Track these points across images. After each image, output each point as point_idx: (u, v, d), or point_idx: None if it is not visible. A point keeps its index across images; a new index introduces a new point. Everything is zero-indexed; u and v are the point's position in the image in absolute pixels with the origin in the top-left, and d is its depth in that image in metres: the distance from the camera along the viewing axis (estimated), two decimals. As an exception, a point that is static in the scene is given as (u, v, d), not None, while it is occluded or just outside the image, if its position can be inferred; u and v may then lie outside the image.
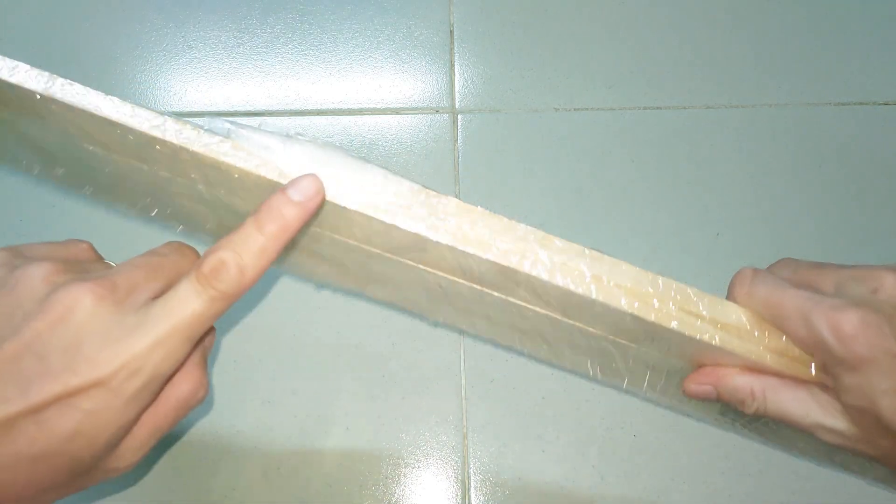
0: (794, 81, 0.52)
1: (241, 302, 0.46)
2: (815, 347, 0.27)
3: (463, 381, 0.45)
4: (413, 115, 0.51)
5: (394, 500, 0.43)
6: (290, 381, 0.45)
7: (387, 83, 0.52)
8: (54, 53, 0.53)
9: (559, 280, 0.29)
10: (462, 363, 0.45)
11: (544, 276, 0.29)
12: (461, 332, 0.46)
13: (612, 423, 0.44)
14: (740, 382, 0.30)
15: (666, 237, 0.48)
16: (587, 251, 0.30)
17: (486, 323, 0.36)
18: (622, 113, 0.51)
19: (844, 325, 0.26)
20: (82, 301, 0.25)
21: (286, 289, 0.47)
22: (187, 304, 0.26)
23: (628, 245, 0.47)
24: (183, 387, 0.29)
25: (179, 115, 0.51)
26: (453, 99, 0.51)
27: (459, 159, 0.50)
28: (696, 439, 0.44)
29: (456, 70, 0.52)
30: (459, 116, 0.51)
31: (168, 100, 0.52)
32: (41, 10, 0.54)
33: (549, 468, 0.43)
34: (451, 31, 0.53)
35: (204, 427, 0.44)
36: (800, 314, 0.27)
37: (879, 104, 0.51)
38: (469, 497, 0.43)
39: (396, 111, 0.51)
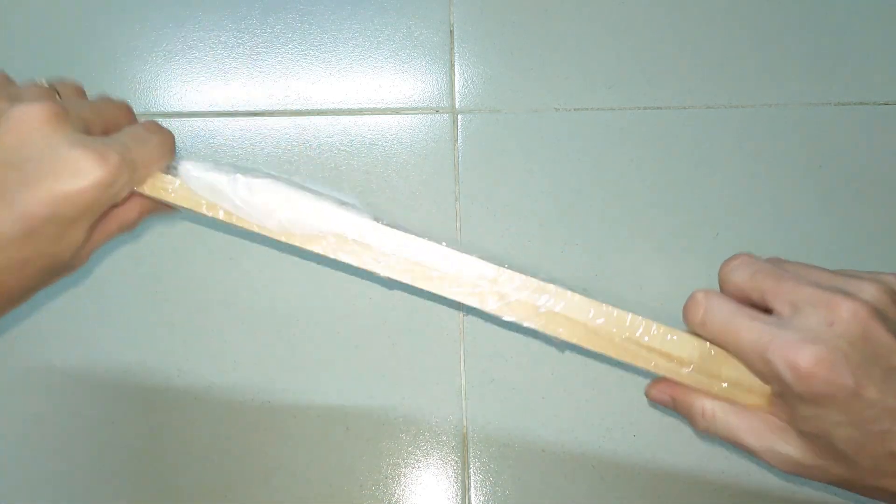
0: (794, 81, 0.52)
1: (240, 301, 0.46)
2: (771, 379, 0.28)
3: (463, 381, 0.45)
4: (413, 115, 0.51)
5: (394, 500, 0.43)
6: (289, 380, 0.45)
7: (387, 83, 0.52)
8: (54, 53, 0.53)
9: (508, 317, 0.31)
10: (462, 363, 0.45)
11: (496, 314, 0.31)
12: (461, 332, 0.46)
13: (611, 423, 0.44)
14: (694, 400, 0.30)
15: (666, 237, 0.48)
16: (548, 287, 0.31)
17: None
18: (622, 113, 0.51)
19: (801, 363, 0.26)
20: (41, 114, 0.28)
21: (286, 288, 0.47)
22: (142, 147, 0.30)
23: (628, 245, 0.47)
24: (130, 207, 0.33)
25: (180, 115, 0.51)
26: (453, 99, 0.51)
27: (459, 159, 0.50)
28: (695, 439, 0.44)
29: (456, 70, 0.52)
30: (459, 116, 0.51)
31: (168, 100, 0.52)
32: (41, 10, 0.54)
33: (549, 468, 0.43)
34: (451, 31, 0.53)
35: (204, 427, 0.44)
36: (755, 349, 0.27)
37: (879, 104, 0.51)
38: (469, 497, 0.43)
39: (396, 111, 0.51)
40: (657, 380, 0.31)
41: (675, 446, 0.44)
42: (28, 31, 0.54)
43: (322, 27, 0.53)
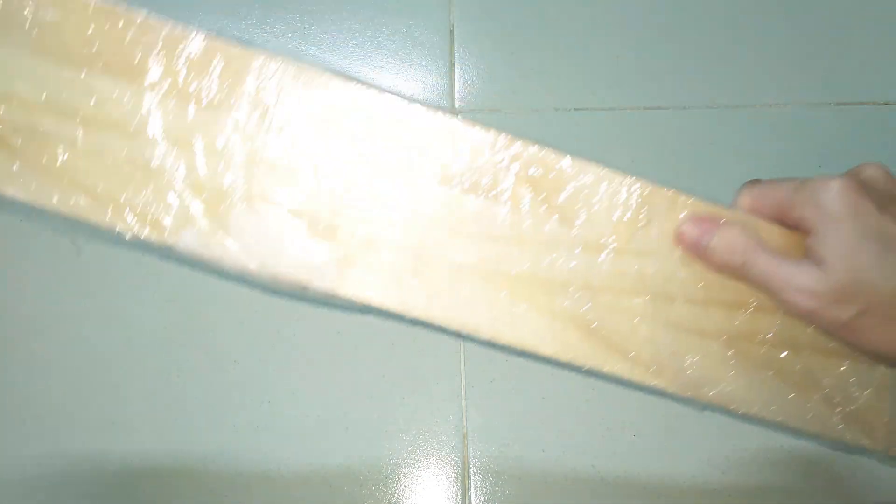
0: (794, 81, 0.52)
1: (240, 301, 0.46)
2: (804, 213, 0.31)
3: (463, 381, 0.45)
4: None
5: (394, 500, 0.43)
6: (289, 380, 0.45)
7: (387, 83, 0.52)
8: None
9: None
10: (462, 363, 0.45)
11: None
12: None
13: (612, 423, 0.44)
14: (734, 234, 0.32)
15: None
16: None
17: None
18: (622, 113, 0.51)
19: (831, 184, 0.30)
20: None
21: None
22: None
23: (628, 245, 0.47)
24: None
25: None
26: (453, 99, 0.51)
27: (459, 159, 0.50)
28: (695, 439, 0.44)
29: (456, 70, 0.52)
30: (459, 116, 0.51)
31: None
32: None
33: (549, 468, 0.43)
34: (451, 31, 0.53)
35: (204, 427, 0.44)
36: (793, 189, 0.32)
37: (879, 104, 0.51)
38: (469, 497, 0.43)
39: (396, 111, 0.51)
40: (693, 216, 0.33)
41: (676, 446, 0.44)
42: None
43: (322, 27, 0.53)
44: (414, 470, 0.43)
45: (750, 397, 0.33)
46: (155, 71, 0.30)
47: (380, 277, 0.30)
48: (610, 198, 0.32)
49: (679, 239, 0.33)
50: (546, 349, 0.32)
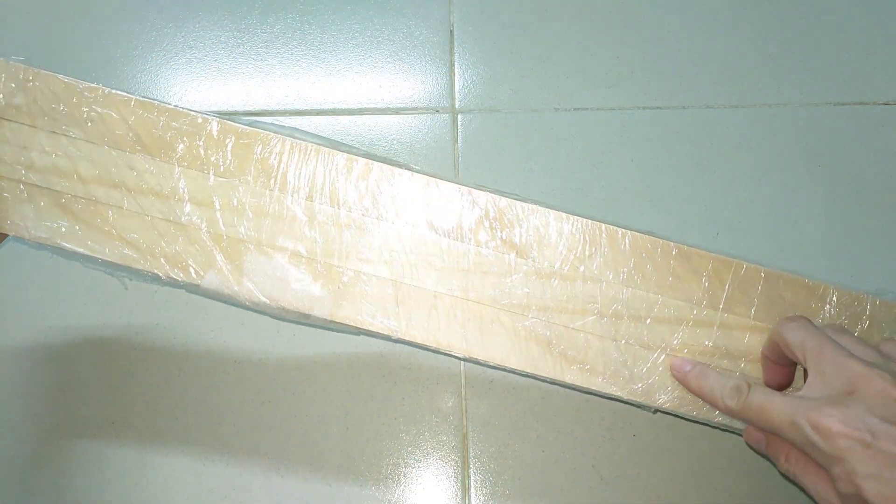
0: (794, 81, 0.52)
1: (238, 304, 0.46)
2: (805, 445, 0.31)
3: (463, 381, 0.45)
4: (413, 115, 0.51)
5: (394, 500, 0.43)
6: (289, 380, 0.45)
7: (387, 83, 0.52)
8: (54, 53, 0.53)
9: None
10: (462, 363, 0.45)
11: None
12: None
13: (612, 423, 0.44)
14: (781, 446, 0.34)
15: (666, 236, 0.48)
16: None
17: None
18: (622, 113, 0.51)
19: (822, 422, 0.30)
20: None
21: (286, 289, 0.47)
22: None
23: (628, 245, 0.47)
24: None
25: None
26: (453, 99, 0.51)
27: (459, 159, 0.50)
28: (696, 439, 0.44)
29: (456, 70, 0.52)
30: (459, 116, 0.51)
31: (168, 100, 0.52)
32: (41, 9, 0.54)
33: (549, 468, 0.43)
34: (451, 31, 0.53)
35: (204, 427, 0.44)
36: (785, 418, 0.32)
37: (879, 104, 0.51)
38: (469, 497, 0.43)
39: (396, 111, 0.51)
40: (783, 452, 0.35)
41: (675, 446, 0.44)
42: (28, 31, 0.54)
43: (322, 27, 0.53)
44: (414, 470, 0.43)
45: (696, 403, 0.37)
46: (181, 148, 0.37)
47: (368, 306, 0.37)
48: (558, 234, 0.38)
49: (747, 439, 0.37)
50: (512, 363, 0.37)
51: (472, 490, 0.43)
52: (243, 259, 0.36)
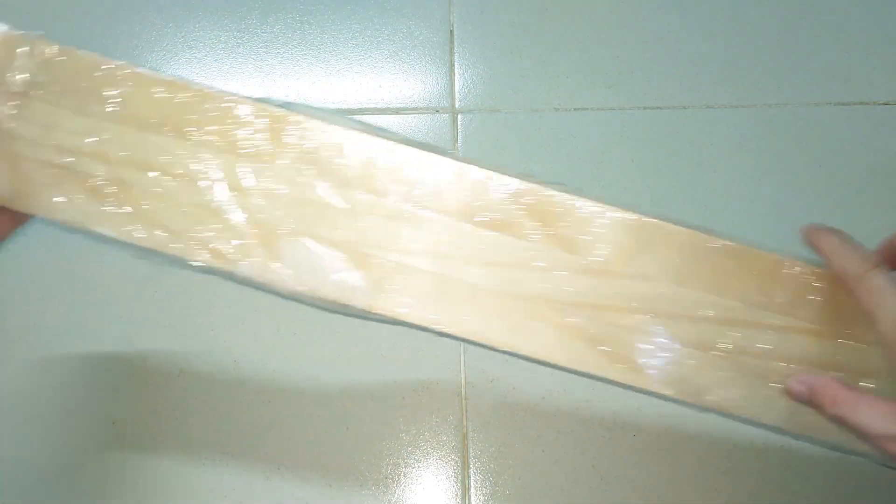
0: (794, 81, 0.52)
1: (240, 300, 0.46)
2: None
3: (463, 381, 0.45)
4: (413, 115, 0.51)
5: (394, 500, 0.43)
6: (289, 380, 0.45)
7: (387, 83, 0.52)
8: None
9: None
10: (462, 363, 0.45)
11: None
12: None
13: (612, 423, 0.44)
14: (829, 387, 0.33)
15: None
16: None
17: None
18: (622, 113, 0.51)
19: None
20: None
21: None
22: None
23: (628, 245, 0.47)
24: None
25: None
26: (453, 99, 0.51)
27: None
28: (696, 439, 0.44)
29: (456, 70, 0.52)
30: (459, 116, 0.51)
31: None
32: (41, 9, 0.54)
33: (549, 468, 0.43)
34: (451, 31, 0.53)
35: (204, 427, 0.44)
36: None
37: (879, 104, 0.51)
38: (469, 497, 0.43)
39: (396, 111, 0.51)
40: (808, 377, 0.34)
41: (675, 446, 0.44)
42: (28, 30, 0.54)
43: (322, 27, 0.53)
44: (414, 470, 0.43)
45: (748, 403, 0.36)
46: (214, 130, 0.35)
47: (408, 298, 0.35)
48: (606, 228, 0.36)
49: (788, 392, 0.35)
50: (557, 359, 0.36)
51: (472, 490, 0.43)
52: (280, 246, 0.35)
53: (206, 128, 0.35)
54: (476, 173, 0.36)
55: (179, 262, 0.35)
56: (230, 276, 0.36)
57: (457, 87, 0.52)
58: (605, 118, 0.51)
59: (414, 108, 0.51)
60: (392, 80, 0.52)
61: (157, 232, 0.35)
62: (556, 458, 0.43)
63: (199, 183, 0.35)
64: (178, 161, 0.35)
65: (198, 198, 0.35)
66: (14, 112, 0.35)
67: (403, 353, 0.45)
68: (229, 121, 0.36)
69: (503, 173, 0.36)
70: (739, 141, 0.50)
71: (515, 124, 0.51)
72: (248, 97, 0.36)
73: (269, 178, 0.35)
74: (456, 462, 0.43)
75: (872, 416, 0.31)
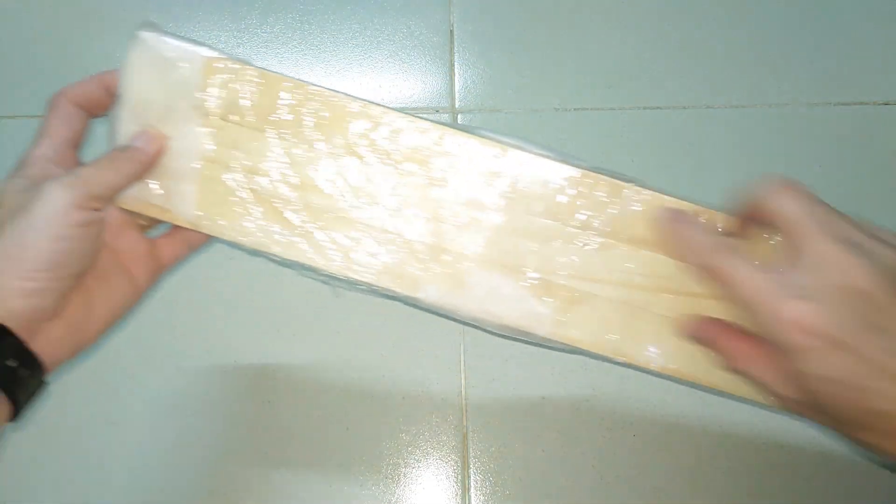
0: (794, 81, 0.52)
1: (240, 300, 0.46)
2: (762, 328, 0.29)
3: (463, 382, 0.45)
4: (413, 115, 0.51)
5: (394, 500, 0.43)
6: (289, 380, 0.45)
7: (387, 83, 0.52)
8: (54, 53, 0.53)
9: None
10: (462, 363, 0.45)
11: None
12: (461, 330, 0.46)
13: (612, 423, 0.44)
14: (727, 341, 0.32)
15: None
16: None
17: None
18: (622, 113, 0.51)
19: (791, 314, 0.27)
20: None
21: (285, 289, 0.46)
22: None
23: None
24: None
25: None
26: (453, 99, 0.51)
27: (459, 159, 0.50)
28: (696, 439, 0.44)
29: (456, 70, 0.52)
30: (459, 116, 0.51)
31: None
32: (41, 9, 0.54)
33: (549, 468, 0.43)
34: (451, 31, 0.53)
35: (204, 427, 0.44)
36: (750, 296, 0.29)
37: (879, 104, 0.51)
38: (469, 497, 0.43)
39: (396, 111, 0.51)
40: (702, 321, 0.33)
41: (675, 446, 0.44)
42: (28, 31, 0.54)
43: (322, 27, 0.53)
44: (414, 470, 0.43)
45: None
46: (402, 153, 0.35)
47: (593, 326, 0.35)
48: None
49: (692, 333, 0.34)
50: (743, 392, 0.34)
51: (472, 490, 0.43)
52: (463, 273, 0.35)
53: (391, 153, 0.35)
54: (668, 201, 0.35)
55: (362, 288, 0.35)
56: (413, 303, 0.35)
57: (457, 87, 0.52)
58: (605, 118, 0.51)
59: (414, 108, 0.51)
60: (392, 80, 0.52)
61: (342, 258, 0.35)
62: (556, 458, 0.43)
63: (382, 209, 0.35)
64: (365, 186, 0.35)
65: (379, 223, 0.35)
66: (210, 135, 0.34)
67: (403, 353, 0.45)
68: (377, 134, 0.35)
69: (692, 201, 0.35)
70: (739, 141, 0.50)
71: (515, 124, 0.51)
72: (399, 111, 0.35)
73: (451, 205, 0.35)
74: (456, 462, 0.43)
75: (763, 370, 0.31)
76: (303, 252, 0.35)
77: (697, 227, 0.33)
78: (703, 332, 0.33)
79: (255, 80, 0.34)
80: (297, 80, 0.34)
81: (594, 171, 0.35)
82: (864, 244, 0.29)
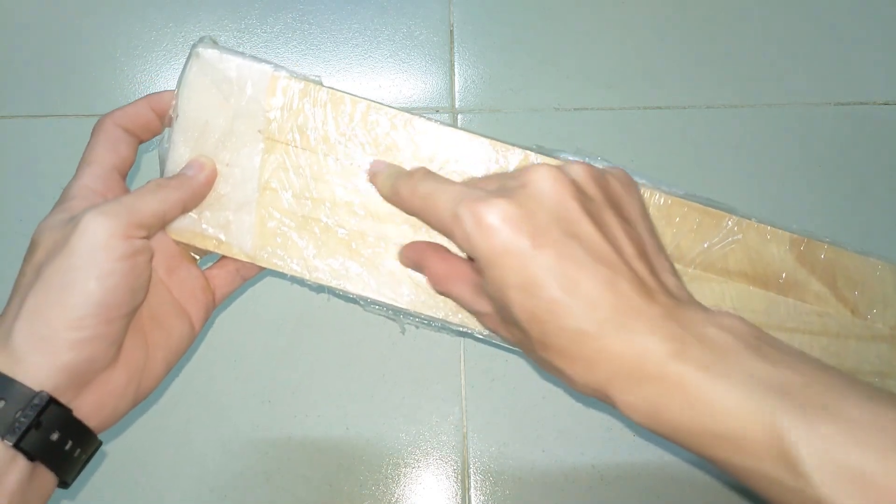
0: (794, 81, 0.52)
1: (241, 301, 0.46)
2: (460, 239, 0.27)
3: (463, 381, 0.45)
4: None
5: (394, 500, 0.43)
6: (289, 381, 0.45)
7: (387, 83, 0.52)
8: (55, 52, 0.53)
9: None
10: (462, 363, 0.45)
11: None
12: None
13: (611, 423, 0.44)
14: (432, 262, 0.31)
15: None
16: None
17: None
18: (622, 113, 0.51)
19: (484, 216, 0.26)
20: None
21: (286, 290, 0.46)
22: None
23: (628, 245, 0.47)
24: None
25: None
26: (453, 98, 0.51)
27: (459, 159, 0.50)
28: (696, 439, 0.44)
29: (456, 70, 0.52)
30: (459, 116, 0.51)
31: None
32: (41, 9, 0.54)
33: (549, 468, 0.43)
34: (451, 31, 0.53)
35: (204, 427, 0.44)
36: (448, 206, 0.27)
37: (879, 104, 0.51)
38: (469, 497, 0.43)
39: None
40: (410, 244, 0.32)
41: (675, 446, 0.44)
42: (29, 31, 0.54)
43: (322, 27, 0.53)
44: (414, 470, 0.43)
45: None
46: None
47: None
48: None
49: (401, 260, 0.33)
50: None
51: (472, 490, 0.43)
52: None
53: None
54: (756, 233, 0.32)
55: (430, 324, 0.33)
56: (481, 338, 0.33)
57: (457, 87, 0.52)
58: (605, 118, 0.51)
59: (414, 108, 0.51)
60: (392, 80, 0.52)
61: (410, 290, 0.32)
62: (556, 458, 0.43)
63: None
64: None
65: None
66: (271, 161, 0.31)
67: (403, 353, 0.45)
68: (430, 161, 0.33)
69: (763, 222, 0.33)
70: (739, 141, 0.50)
71: (515, 124, 0.51)
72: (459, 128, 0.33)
73: None
74: (456, 462, 0.43)
75: (462, 287, 0.29)
76: (373, 288, 0.32)
77: (394, 168, 0.31)
78: (412, 255, 0.31)
79: (323, 99, 0.31)
80: (370, 99, 0.31)
81: (690, 199, 0.34)
82: (565, 167, 0.28)
